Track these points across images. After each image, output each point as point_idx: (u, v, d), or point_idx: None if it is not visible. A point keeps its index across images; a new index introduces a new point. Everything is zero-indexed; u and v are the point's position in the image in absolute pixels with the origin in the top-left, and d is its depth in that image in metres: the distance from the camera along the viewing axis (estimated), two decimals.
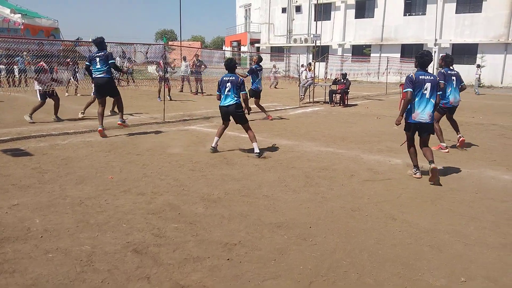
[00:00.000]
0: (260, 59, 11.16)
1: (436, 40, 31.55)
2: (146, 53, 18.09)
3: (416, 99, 5.64)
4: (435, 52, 30.90)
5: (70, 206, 4.39)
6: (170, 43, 43.95)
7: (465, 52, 30.38)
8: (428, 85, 5.61)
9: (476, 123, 11.45)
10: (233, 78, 7.02)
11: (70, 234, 3.71)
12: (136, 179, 5.46)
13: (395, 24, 33.68)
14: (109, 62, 8.28)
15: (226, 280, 3.03)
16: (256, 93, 11.00)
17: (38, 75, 9.74)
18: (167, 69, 14.27)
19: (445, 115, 7.97)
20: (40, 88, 9.74)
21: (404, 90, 5.99)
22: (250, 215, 4.29)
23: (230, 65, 7.21)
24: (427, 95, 5.61)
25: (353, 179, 5.68)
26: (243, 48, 45.18)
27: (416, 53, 5.88)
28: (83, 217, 4.12)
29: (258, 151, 6.88)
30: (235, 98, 6.99)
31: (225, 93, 6.99)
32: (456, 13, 31.02)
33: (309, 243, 3.67)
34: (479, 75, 23.96)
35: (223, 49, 46.68)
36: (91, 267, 3.13)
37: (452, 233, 3.94)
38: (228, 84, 6.97)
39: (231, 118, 7.23)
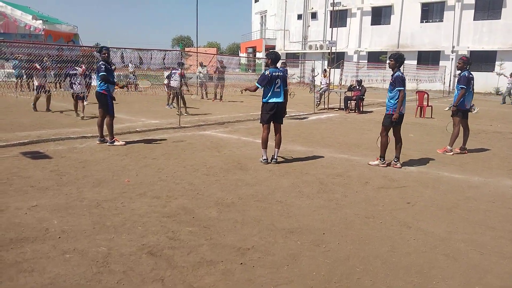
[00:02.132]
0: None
1: (453, 47, 31.21)
2: (164, 59, 18.32)
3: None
4: (452, 59, 30.58)
5: (87, 208, 4.48)
6: (186, 49, 44.49)
7: (483, 59, 29.92)
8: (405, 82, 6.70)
9: (494, 131, 11.27)
10: (281, 73, 6.73)
11: (87, 235, 3.79)
12: (152, 183, 5.53)
13: (412, 31, 33.44)
14: (99, 74, 7.77)
15: (239, 284, 3.05)
16: None
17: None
18: (183, 77, 14.44)
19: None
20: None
21: (399, 88, 6.58)
22: (263, 220, 4.31)
23: (278, 57, 6.85)
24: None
25: (367, 186, 5.66)
26: (258, 55, 45.37)
27: (394, 54, 6.84)
28: (100, 219, 4.19)
29: (276, 157, 6.87)
30: (283, 95, 6.76)
31: (275, 89, 6.64)
32: (474, 20, 30.67)
33: (323, 250, 3.67)
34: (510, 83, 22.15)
35: (239, 55, 46.99)
36: (107, 268, 3.19)
37: (467, 242, 3.89)
38: (278, 80, 6.63)
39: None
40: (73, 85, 11.82)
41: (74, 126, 9.88)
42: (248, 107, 16.14)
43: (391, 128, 6.79)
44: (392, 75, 6.75)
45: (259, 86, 6.70)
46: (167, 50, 21.23)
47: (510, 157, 7.87)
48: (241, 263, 3.37)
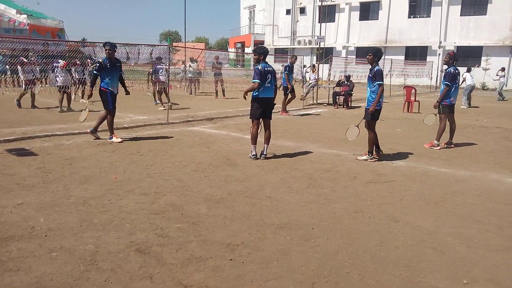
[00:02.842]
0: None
1: (440, 42, 31.51)
2: (151, 54, 18.13)
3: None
4: (439, 54, 30.88)
5: (74, 206, 4.42)
6: (174, 44, 44.15)
7: (470, 55, 30.27)
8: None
9: (480, 125, 11.43)
10: (272, 68, 6.78)
11: (74, 233, 3.74)
12: (140, 179, 5.48)
13: (400, 26, 33.66)
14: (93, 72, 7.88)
15: (228, 280, 3.05)
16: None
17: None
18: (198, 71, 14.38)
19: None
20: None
21: (379, 83, 6.66)
22: (253, 216, 4.30)
23: (267, 53, 6.84)
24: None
25: (356, 181, 5.69)
26: (247, 50, 45.23)
27: (372, 49, 6.92)
28: (87, 216, 4.14)
29: (265, 153, 6.86)
30: (273, 91, 6.83)
31: (266, 84, 6.65)
32: (461, 15, 31.00)
33: (312, 244, 3.68)
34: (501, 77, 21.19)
35: (228, 50, 46.79)
36: (95, 266, 3.15)
37: (455, 236, 3.94)
38: (269, 76, 6.67)
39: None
40: (57, 78, 11.77)
41: (60, 123, 9.74)
42: (237, 102, 16.10)
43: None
44: (371, 70, 6.80)
45: (259, 81, 6.59)
46: (155, 45, 21.04)
47: (496, 151, 7.98)
48: (231, 259, 3.36)
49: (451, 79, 7.84)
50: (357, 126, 7.22)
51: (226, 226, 4.04)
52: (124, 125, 9.55)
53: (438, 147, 7.99)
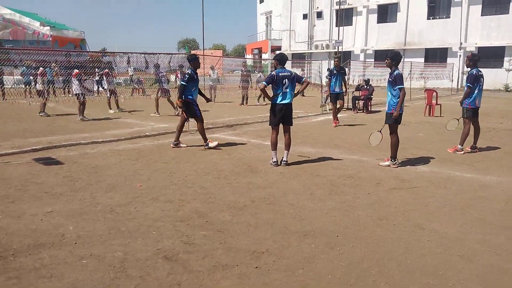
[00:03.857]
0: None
1: (461, 43, 30.98)
2: (169, 62, 18.39)
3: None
4: (460, 56, 30.35)
5: (101, 214, 4.53)
6: (192, 52, 44.60)
7: (492, 56, 29.61)
8: None
9: (505, 128, 11.19)
10: (289, 73, 6.73)
11: (103, 240, 3.83)
12: (164, 187, 5.57)
13: (419, 28, 33.25)
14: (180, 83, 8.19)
15: None
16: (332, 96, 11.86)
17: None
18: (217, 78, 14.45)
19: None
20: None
21: (400, 87, 6.63)
22: (276, 223, 4.32)
23: (284, 58, 6.92)
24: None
25: (379, 188, 5.65)
26: (264, 56, 45.41)
27: (390, 53, 6.85)
28: (115, 224, 4.24)
29: (286, 159, 6.87)
30: (292, 96, 6.80)
31: (283, 90, 6.66)
32: (481, 15, 30.41)
33: (337, 252, 3.67)
34: None
35: (245, 56, 47.02)
36: (124, 273, 3.23)
37: (482, 243, 3.87)
38: (286, 81, 6.64)
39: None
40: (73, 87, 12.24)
41: (83, 132, 9.98)
42: (256, 109, 16.18)
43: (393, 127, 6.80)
44: (390, 74, 6.76)
45: (265, 83, 6.79)
46: (173, 54, 21.31)
47: None
48: (256, 267, 3.39)
49: (473, 80, 7.72)
50: (380, 132, 7.16)
51: (250, 233, 4.08)
52: (146, 133, 9.70)
53: (462, 152, 7.86)
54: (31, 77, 16.59)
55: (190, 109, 8.17)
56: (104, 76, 13.73)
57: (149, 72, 19.24)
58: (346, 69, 13.78)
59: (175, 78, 16.73)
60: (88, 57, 17.25)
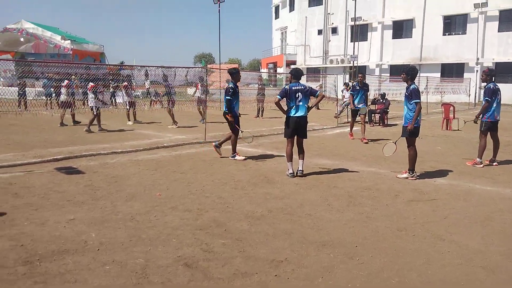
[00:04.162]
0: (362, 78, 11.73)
1: (478, 59, 30.74)
2: (186, 75, 18.70)
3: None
4: (477, 71, 30.09)
5: (122, 221, 4.61)
6: (208, 66, 45.23)
7: (510, 71, 29.32)
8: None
9: None
10: (302, 87, 6.86)
11: (124, 247, 3.90)
12: (182, 196, 5.64)
13: (434, 44, 33.18)
14: (225, 98, 8.33)
15: None
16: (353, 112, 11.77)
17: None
18: (207, 91, 14.63)
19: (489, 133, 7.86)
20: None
21: (416, 101, 6.67)
22: (294, 233, 4.34)
23: (299, 73, 7.07)
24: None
25: (397, 199, 5.62)
26: (279, 70, 45.72)
27: (405, 68, 6.95)
28: (135, 232, 4.31)
29: (302, 169, 6.94)
30: (306, 108, 6.90)
31: (297, 103, 6.81)
32: (498, 31, 30.25)
33: (356, 262, 3.67)
34: None
35: (260, 71, 47.42)
36: (146, 280, 3.28)
37: (505, 255, 3.82)
38: (299, 94, 6.79)
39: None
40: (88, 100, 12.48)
41: (103, 142, 10.17)
42: (272, 122, 16.26)
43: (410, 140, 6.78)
44: (407, 88, 6.78)
45: (279, 97, 6.96)
46: (190, 67, 21.63)
47: None
48: (276, 275, 3.40)
49: (491, 94, 7.69)
50: (395, 143, 7.15)
51: (268, 242, 4.10)
52: (164, 144, 9.84)
53: (481, 165, 7.77)
54: (52, 89, 17.05)
55: (228, 121, 8.35)
56: (123, 89, 14.03)
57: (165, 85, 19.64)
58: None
59: (195, 91, 16.98)
60: (107, 70, 17.65)
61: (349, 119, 16.26)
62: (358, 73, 12.45)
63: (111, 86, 14.90)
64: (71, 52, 26.41)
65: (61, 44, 26.43)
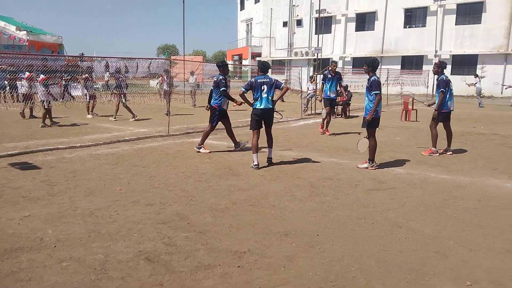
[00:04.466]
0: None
1: (436, 51, 31.83)
2: (149, 67, 18.32)
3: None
4: (435, 63, 31.17)
5: (81, 217, 4.48)
6: (172, 57, 44.48)
7: (465, 63, 30.62)
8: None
9: (477, 132, 11.55)
10: (268, 80, 7.00)
11: (83, 243, 3.80)
12: (144, 190, 5.55)
13: (395, 36, 34.05)
14: (220, 89, 8.01)
15: (237, 287, 3.10)
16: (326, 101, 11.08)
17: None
18: (172, 83, 14.42)
19: (442, 123, 8.18)
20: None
21: (375, 92, 6.83)
22: (258, 224, 4.37)
23: (266, 66, 7.21)
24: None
25: (357, 189, 5.77)
26: (244, 62, 45.63)
27: (367, 60, 7.07)
28: (95, 227, 4.20)
29: (271, 156, 7.20)
30: (270, 100, 7.02)
31: (262, 95, 6.96)
32: (456, 24, 31.39)
33: (317, 250, 3.74)
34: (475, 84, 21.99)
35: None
36: (106, 275, 3.21)
37: (457, 240, 4.01)
38: (264, 87, 6.94)
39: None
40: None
41: (61, 137, 9.82)
42: (236, 114, 16.23)
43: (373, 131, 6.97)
44: (368, 80, 6.95)
45: (243, 89, 7.09)
46: (153, 59, 21.19)
47: (494, 157, 8.08)
48: (239, 266, 3.42)
49: (445, 85, 8.00)
50: (367, 138, 7.19)
51: (232, 234, 4.10)
52: (126, 138, 9.62)
53: (437, 154, 8.09)
54: (6, 82, 16.23)
55: (212, 113, 8.26)
56: (84, 81, 13.56)
57: (128, 77, 19.14)
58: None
59: (161, 83, 16.68)
60: (65, 62, 17.01)
61: (313, 112, 16.53)
62: (332, 62, 11.53)
63: (63, 78, 14.31)
64: (27, 44, 25.17)
65: (16, 35, 25.13)
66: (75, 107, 14.32)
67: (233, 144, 8.61)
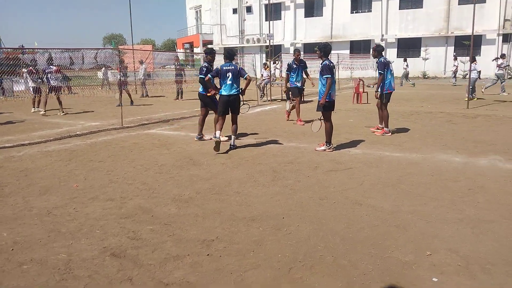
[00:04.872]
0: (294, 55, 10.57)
1: (382, 35, 32.92)
2: (95, 58, 17.57)
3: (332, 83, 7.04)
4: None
5: (37, 217, 4.27)
6: (120, 47, 42.87)
7: (410, 46, 31.96)
8: (334, 70, 7.12)
9: (425, 111, 12.15)
10: (233, 67, 7.22)
11: (43, 244, 3.63)
12: (103, 186, 5.37)
13: (343, 22, 34.80)
14: (199, 76, 7.95)
15: (208, 274, 3.11)
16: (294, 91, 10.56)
17: None
18: (126, 73, 13.96)
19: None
20: None
21: (327, 76, 6.94)
22: (223, 212, 4.37)
23: (230, 54, 7.40)
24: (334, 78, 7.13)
25: (317, 171, 5.91)
26: (196, 50, 44.89)
27: (320, 45, 7.26)
28: (54, 226, 4.03)
29: (234, 143, 7.39)
30: (237, 88, 7.27)
31: (227, 82, 7.18)
32: (399, 9, 32.57)
33: (284, 233, 3.81)
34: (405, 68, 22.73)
35: (176, 51, 46.09)
36: (71, 275, 3.10)
37: (414, 213, 4.23)
38: (229, 74, 7.16)
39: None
40: None
41: (7, 134, 9.25)
42: (192, 103, 16.03)
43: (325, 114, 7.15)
44: (320, 64, 7.11)
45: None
46: (99, 49, 20.36)
47: (442, 134, 8.55)
48: (208, 254, 3.42)
49: (383, 67, 8.32)
50: (320, 120, 7.40)
51: (198, 223, 4.08)
52: (77, 133, 9.23)
53: (390, 133, 8.44)
54: None
55: (205, 101, 8.09)
56: (28, 74, 12.79)
57: (74, 69, 18.24)
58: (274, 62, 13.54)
59: (103, 73, 16.08)
60: (3, 55, 15.92)
61: (269, 98, 16.65)
62: (295, 51, 10.80)
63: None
64: None
65: None
66: (20, 102, 13.50)
67: (197, 134, 8.38)
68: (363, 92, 15.36)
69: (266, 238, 3.71)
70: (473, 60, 15.01)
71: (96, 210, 4.48)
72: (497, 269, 3.09)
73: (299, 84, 10.54)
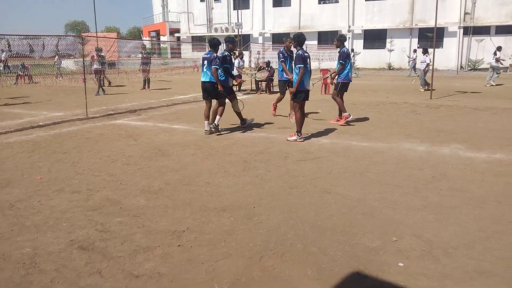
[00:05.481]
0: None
1: (349, 26, 33.36)
2: (57, 46, 16.93)
3: (306, 72, 7.10)
4: (349, 38, 32.72)
5: None
6: (83, 34, 41.43)
7: (376, 38, 32.55)
8: (309, 60, 7.27)
9: (390, 102, 12.47)
10: (208, 55, 7.66)
11: (6, 238, 3.50)
12: (68, 178, 5.22)
13: (311, 12, 34.99)
14: (224, 66, 7.78)
15: (180, 265, 3.09)
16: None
17: None
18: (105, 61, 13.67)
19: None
20: None
21: (299, 66, 6.98)
22: (194, 202, 4.35)
23: (211, 43, 7.75)
24: (309, 68, 7.32)
25: (287, 160, 5.97)
26: (162, 38, 43.98)
27: (294, 35, 7.39)
28: (17, 220, 3.89)
29: (217, 123, 7.81)
30: (209, 75, 7.69)
31: (204, 70, 7.77)
32: (366, 0, 33.02)
33: (255, 222, 3.84)
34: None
35: (142, 39, 44.99)
36: (37, 269, 3.01)
37: (381, 201, 4.36)
38: (205, 62, 7.69)
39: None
40: None
41: None
42: (160, 93, 15.76)
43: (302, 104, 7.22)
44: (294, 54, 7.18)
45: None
46: (62, 36, 19.58)
47: (406, 124, 8.81)
48: (179, 245, 3.40)
49: (345, 57, 8.48)
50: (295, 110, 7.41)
51: (168, 214, 4.05)
52: (40, 123, 8.89)
53: (351, 117, 8.59)
54: None
55: (216, 92, 7.82)
56: None
57: (34, 57, 17.49)
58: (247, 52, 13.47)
59: (91, 63, 15.62)
60: None
61: (237, 89, 16.57)
62: (287, 38, 9.42)
63: None
64: None
65: None
66: None
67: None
68: (331, 83, 15.54)
69: (237, 227, 3.73)
70: (425, 52, 15.60)
71: (62, 203, 4.35)
72: (459, 253, 3.25)
73: (286, 76, 9.16)
